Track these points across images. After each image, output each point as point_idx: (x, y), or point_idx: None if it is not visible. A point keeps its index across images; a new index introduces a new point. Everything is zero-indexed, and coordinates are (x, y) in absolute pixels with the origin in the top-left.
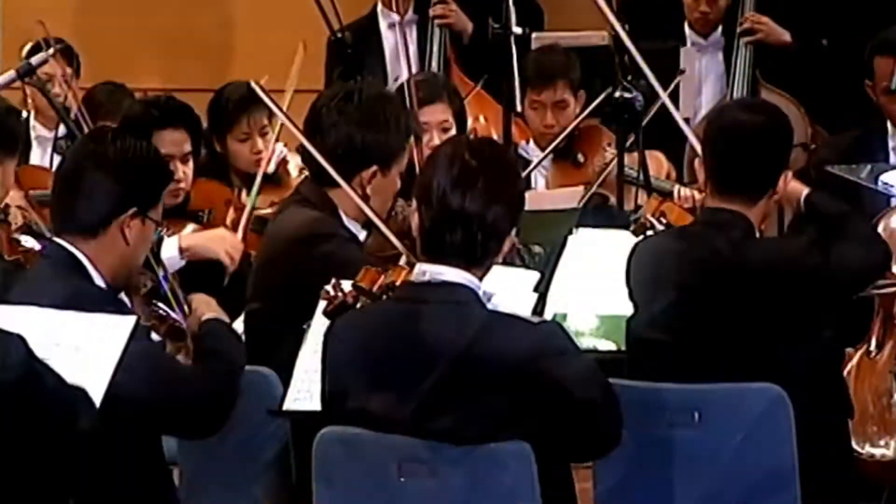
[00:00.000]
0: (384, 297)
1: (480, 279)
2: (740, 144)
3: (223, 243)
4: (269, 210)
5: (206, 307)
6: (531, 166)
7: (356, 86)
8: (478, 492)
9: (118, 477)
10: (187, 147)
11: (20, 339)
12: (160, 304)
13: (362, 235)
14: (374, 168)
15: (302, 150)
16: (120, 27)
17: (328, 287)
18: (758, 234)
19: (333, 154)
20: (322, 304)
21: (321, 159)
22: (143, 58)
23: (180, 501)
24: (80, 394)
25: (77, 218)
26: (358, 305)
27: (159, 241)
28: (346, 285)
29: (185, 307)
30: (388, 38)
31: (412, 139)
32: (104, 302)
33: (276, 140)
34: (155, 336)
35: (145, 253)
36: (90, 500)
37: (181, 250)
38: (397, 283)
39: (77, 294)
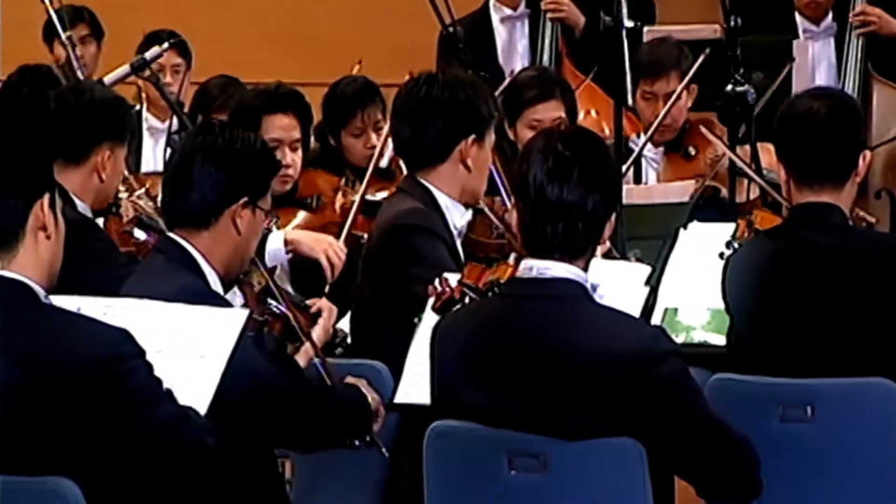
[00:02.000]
0: (490, 293)
1: (585, 269)
2: (815, 132)
3: (328, 247)
4: (379, 196)
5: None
6: (635, 153)
7: (437, 72)
8: (589, 486)
9: (226, 471)
10: (296, 134)
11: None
12: (273, 303)
13: (467, 216)
14: (472, 137)
15: (394, 139)
16: (233, 20)
17: (435, 283)
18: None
19: (427, 133)
20: (431, 300)
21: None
22: (256, 51)
23: (289, 496)
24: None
25: (188, 210)
26: (466, 300)
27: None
28: (452, 281)
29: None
30: (501, 33)
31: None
32: (213, 299)
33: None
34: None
35: (256, 243)
36: (202, 492)
37: (286, 242)
38: (502, 280)
39: (187, 290)
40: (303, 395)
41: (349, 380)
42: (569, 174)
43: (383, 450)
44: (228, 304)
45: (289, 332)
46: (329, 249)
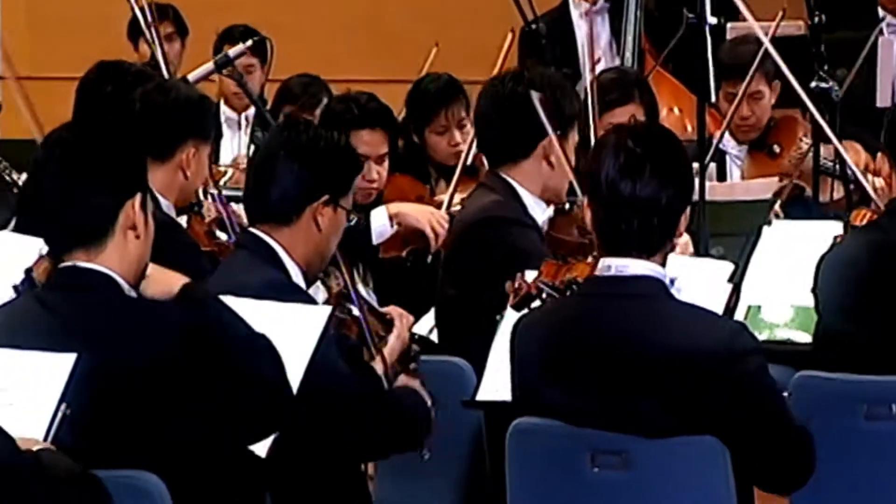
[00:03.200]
0: (568, 292)
1: (662, 264)
2: None
3: (431, 216)
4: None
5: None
6: (712, 150)
7: (522, 70)
8: (671, 484)
9: (312, 467)
10: (383, 149)
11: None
12: (352, 308)
13: (548, 213)
14: (556, 134)
15: (478, 135)
16: (314, 18)
17: (513, 280)
18: None
19: (511, 130)
20: (510, 298)
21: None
22: (336, 49)
23: (370, 492)
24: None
25: (271, 206)
26: (543, 296)
27: (366, 216)
28: (529, 277)
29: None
30: (581, 28)
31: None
32: (296, 294)
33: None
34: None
35: (337, 241)
36: (285, 492)
37: (390, 217)
38: (580, 279)
39: (271, 284)
40: (372, 401)
41: (402, 380)
42: (641, 170)
43: (426, 452)
44: (311, 299)
45: (364, 336)
46: (433, 219)
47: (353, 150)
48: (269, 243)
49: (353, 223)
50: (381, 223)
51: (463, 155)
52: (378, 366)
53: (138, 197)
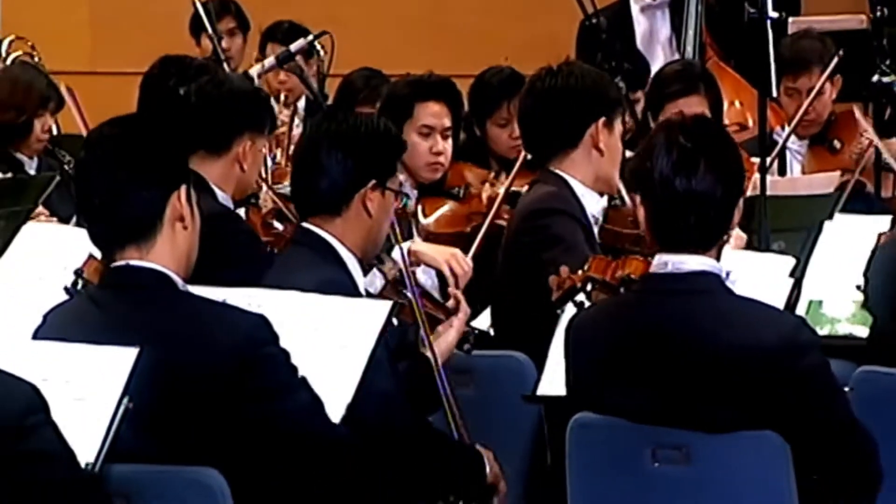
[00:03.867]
0: (621, 289)
1: (717, 258)
2: None
3: (451, 257)
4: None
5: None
6: (778, 148)
7: (560, 65)
8: (732, 479)
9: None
10: (447, 122)
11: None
12: (409, 294)
13: (602, 203)
14: (602, 120)
15: (522, 135)
16: (376, 13)
17: (557, 274)
18: None
19: (556, 121)
20: (553, 293)
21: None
22: (398, 43)
23: None
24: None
25: (319, 198)
26: (588, 289)
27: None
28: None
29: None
30: (640, 22)
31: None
32: (352, 293)
33: None
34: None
35: (388, 224)
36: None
37: (409, 253)
38: (635, 276)
39: (328, 283)
40: (420, 434)
41: (479, 448)
42: (695, 165)
43: None
44: (364, 296)
45: (419, 322)
46: (452, 259)
47: (394, 130)
48: (323, 237)
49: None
50: (397, 258)
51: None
52: (429, 352)
53: (183, 188)
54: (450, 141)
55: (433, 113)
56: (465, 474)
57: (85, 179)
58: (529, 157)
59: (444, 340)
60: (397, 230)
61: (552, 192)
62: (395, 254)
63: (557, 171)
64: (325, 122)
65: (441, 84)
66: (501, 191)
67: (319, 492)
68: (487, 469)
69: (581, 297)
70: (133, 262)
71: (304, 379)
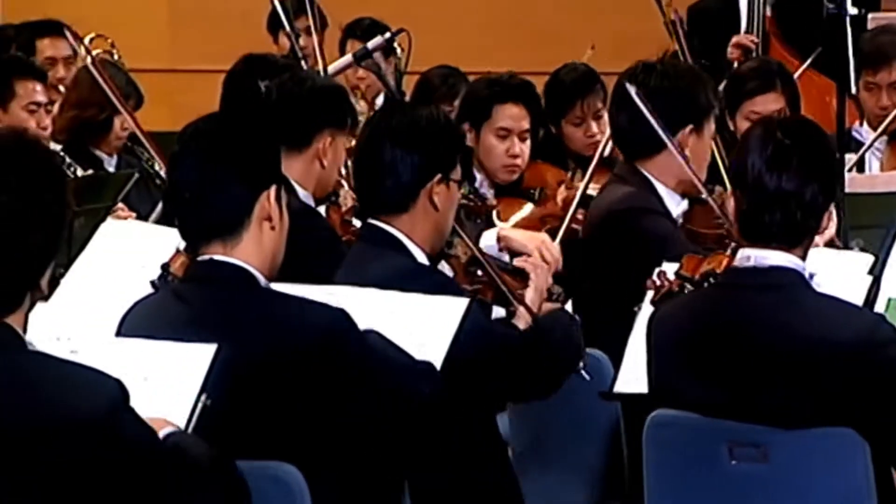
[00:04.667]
0: (706, 284)
1: (803, 258)
2: None
3: (541, 244)
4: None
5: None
6: (864, 148)
7: (655, 61)
8: (810, 476)
9: (455, 454)
10: (525, 124)
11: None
12: (480, 272)
13: (682, 206)
14: (690, 127)
15: (612, 128)
16: (454, 10)
17: (653, 276)
18: None
19: (645, 122)
20: (650, 294)
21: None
22: (477, 40)
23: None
24: (424, 366)
25: (384, 195)
26: (685, 292)
27: (488, 219)
28: (670, 273)
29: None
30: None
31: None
32: (427, 279)
33: None
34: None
35: (454, 215)
36: (427, 475)
37: (498, 239)
38: (718, 270)
39: (400, 274)
40: (526, 349)
41: (546, 307)
42: (788, 163)
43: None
44: (443, 275)
45: (501, 297)
46: (542, 246)
47: (453, 122)
48: (391, 233)
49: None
50: (488, 244)
51: (600, 146)
52: (521, 321)
53: (273, 188)
54: (527, 142)
55: (511, 115)
56: (574, 336)
57: (177, 172)
58: (606, 153)
59: (528, 300)
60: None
61: (633, 193)
62: (484, 239)
63: (641, 169)
64: (384, 119)
65: (520, 86)
66: (578, 194)
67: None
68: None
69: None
70: (217, 257)
71: (386, 370)
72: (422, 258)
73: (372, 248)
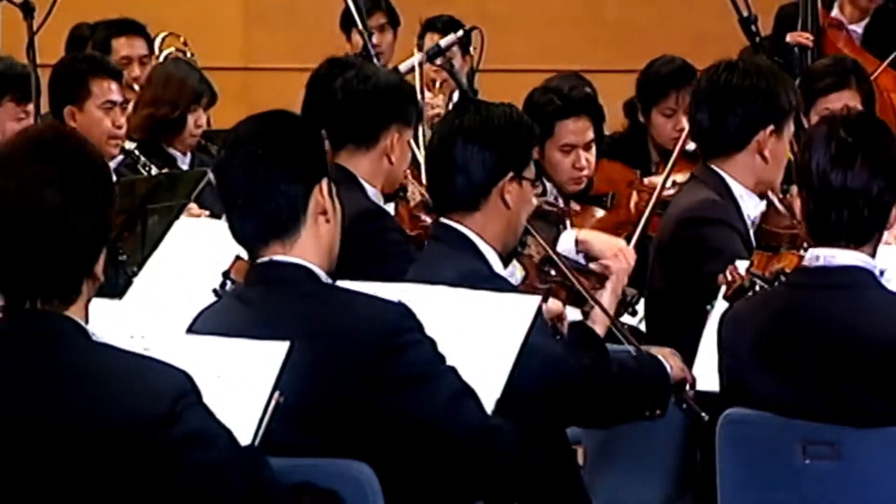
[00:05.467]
0: (776, 282)
1: (872, 255)
2: None
3: (619, 250)
4: (673, 192)
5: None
6: None
7: (737, 59)
8: (884, 474)
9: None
10: (589, 134)
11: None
12: (553, 272)
13: (761, 207)
14: (770, 128)
15: (691, 126)
16: (531, 8)
17: (726, 272)
18: None
19: (725, 121)
20: (722, 289)
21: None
22: (555, 39)
23: (584, 483)
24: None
25: (456, 194)
26: (756, 287)
27: (556, 235)
28: (742, 269)
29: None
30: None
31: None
32: (495, 282)
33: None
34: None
35: (527, 214)
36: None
37: (577, 242)
38: (788, 270)
39: (468, 274)
40: (596, 376)
41: (654, 350)
42: (852, 160)
43: (703, 415)
44: (510, 285)
45: (575, 297)
46: (620, 254)
47: (526, 119)
48: (462, 232)
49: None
50: (566, 247)
51: (681, 139)
52: (599, 326)
53: (325, 181)
54: (593, 150)
55: (573, 130)
56: (652, 388)
57: (227, 178)
58: (689, 148)
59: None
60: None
61: (709, 200)
62: (562, 242)
63: (718, 169)
64: (457, 116)
65: (581, 100)
66: (651, 202)
67: (473, 481)
68: (669, 369)
69: (750, 294)
70: (277, 258)
71: (452, 368)
72: (493, 257)
73: (443, 249)
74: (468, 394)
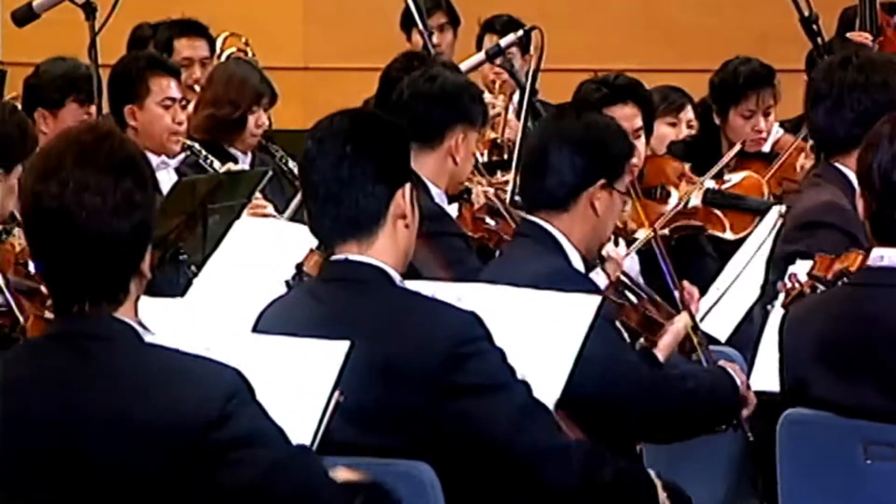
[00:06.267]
0: (838, 283)
1: None
2: None
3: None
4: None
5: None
6: None
7: (851, 53)
8: None
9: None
10: (638, 122)
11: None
12: (630, 295)
13: None
14: None
15: (808, 124)
16: (588, 7)
17: (785, 279)
18: None
19: (842, 118)
20: (781, 297)
21: None
22: (611, 38)
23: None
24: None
25: (547, 193)
26: (817, 293)
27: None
28: (802, 275)
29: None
30: None
31: None
32: (581, 283)
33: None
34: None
35: (613, 224)
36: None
37: None
38: (852, 269)
39: (557, 272)
40: (661, 387)
41: (723, 363)
42: None
43: (749, 434)
44: (595, 285)
45: (647, 324)
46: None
47: (624, 132)
48: (549, 230)
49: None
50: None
51: (735, 149)
52: (661, 353)
53: (408, 186)
54: (642, 139)
55: (623, 116)
56: (725, 404)
57: (311, 170)
58: (765, 149)
59: (662, 342)
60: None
61: (827, 203)
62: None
63: (840, 166)
64: (555, 119)
65: (629, 86)
66: (671, 210)
67: (530, 498)
68: (739, 382)
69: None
70: (353, 257)
71: (524, 381)
72: (576, 259)
73: (531, 245)
74: (538, 410)
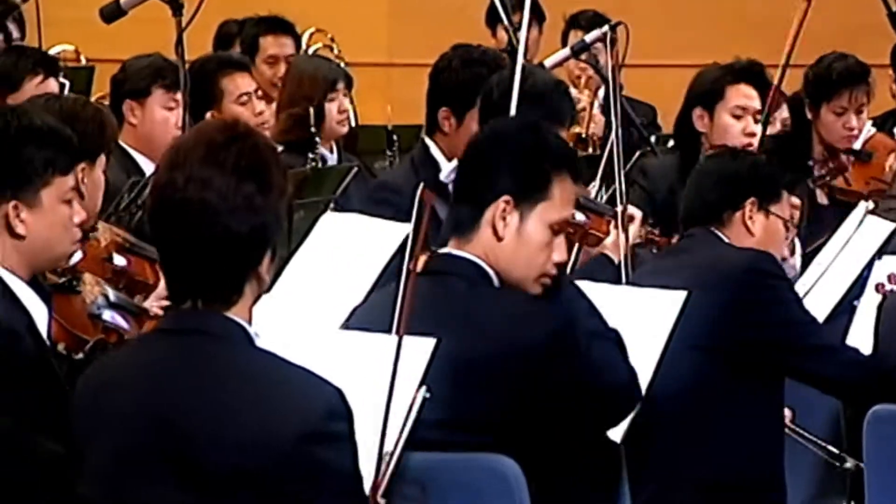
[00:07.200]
0: None
1: None
2: None
3: None
4: None
5: None
6: None
7: None
8: None
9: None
10: (758, 104)
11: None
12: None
13: None
14: None
15: None
16: (671, 3)
17: (883, 280)
18: None
19: None
20: (878, 298)
21: None
22: (694, 33)
23: None
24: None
25: (708, 209)
26: None
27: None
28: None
29: None
30: None
31: None
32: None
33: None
34: None
35: (775, 252)
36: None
37: None
38: None
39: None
40: None
41: None
42: None
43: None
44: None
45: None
46: None
47: (774, 162)
48: (720, 235)
49: None
50: None
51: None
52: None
53: (504, 198)
54: (758, 126)
55: (745, 94)
56: None
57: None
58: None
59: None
60: None
61: None
62: None
63: None
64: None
65: (751, 67)
66: None
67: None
68: None
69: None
70: (454, 252)
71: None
72: None
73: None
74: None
